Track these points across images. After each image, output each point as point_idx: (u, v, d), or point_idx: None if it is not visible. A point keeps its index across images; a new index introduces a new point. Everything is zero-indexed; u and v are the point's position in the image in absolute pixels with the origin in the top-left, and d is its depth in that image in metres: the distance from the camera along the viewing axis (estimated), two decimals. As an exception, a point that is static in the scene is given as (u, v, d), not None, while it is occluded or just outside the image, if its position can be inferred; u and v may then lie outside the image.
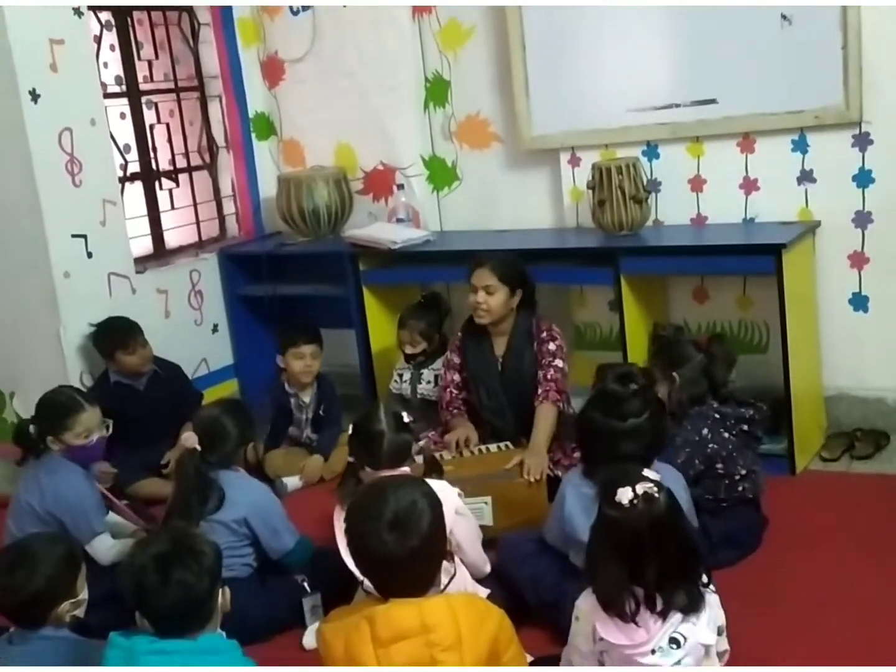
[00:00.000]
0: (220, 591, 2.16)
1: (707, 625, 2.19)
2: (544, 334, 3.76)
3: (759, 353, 4.15)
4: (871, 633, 2.71)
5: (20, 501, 3.23)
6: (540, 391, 3.64)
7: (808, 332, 3.94)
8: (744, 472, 3.19)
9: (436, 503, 2.07)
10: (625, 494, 2.15)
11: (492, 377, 3.81)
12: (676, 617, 2.15)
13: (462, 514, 2.88)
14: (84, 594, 2.40)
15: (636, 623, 2.12)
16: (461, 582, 2.46)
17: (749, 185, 4.06)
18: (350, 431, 2.99)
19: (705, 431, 3.18)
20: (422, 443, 3.06)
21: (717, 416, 3.21)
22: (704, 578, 2.21)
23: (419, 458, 3.03)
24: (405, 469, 2.87)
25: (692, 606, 2.16)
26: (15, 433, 3.30)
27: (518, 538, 3.06)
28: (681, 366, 3.30)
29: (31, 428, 3.23)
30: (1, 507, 3.96)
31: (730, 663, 2.36)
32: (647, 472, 2.24)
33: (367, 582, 2.14)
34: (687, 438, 3.16)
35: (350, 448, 2.98)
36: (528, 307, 3.82)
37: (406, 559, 1.97)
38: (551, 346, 3.72)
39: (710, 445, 3.16)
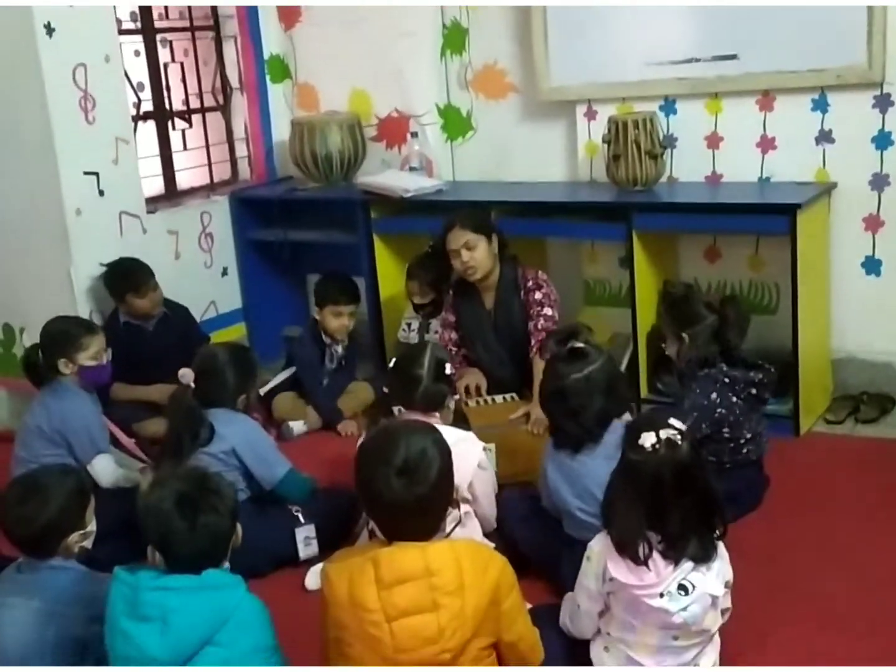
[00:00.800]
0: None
1: (717, 576, 2.22)
2: (530, 283, 3.75)
3: (769, 315, 4.14)
4: (865, 595, 2.74)
5: (28, 426, 3.33)
6: (533, 342, 3.65)
7: (819, 294, 3.93)
8: (749, 435, 3.19)
9: (446, 452, 2.08)
10: (648, 438, 2.17)
11: (485, 331, 3.82)
12: (688, 564, 2.18)
13: (483, 468, 2.90)
14: (92, 526, 2.43)
15: (647, 567, 2.15)
16: (468, 531, 2.48)
17: (766, 144, 4.03)
18: (392, 365, 3.01)
19: (714, 396, 3.15)
20: (457, 396, 3.05)
21: (726, 379, 3.17)
22: (719, 531, 2.24)
23: (451, 405, 3.02)
24: (435, 416, 2.88)
25: (704, 556, 2.19)
26: (24, 362, 3.34)
27: (516, 496, 3.07)
28: (692, 326, 3.25)
29: (39, 355, 3.27)
30: (10, 441, 4.02)
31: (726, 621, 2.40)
32: (672, 420, 2.25)
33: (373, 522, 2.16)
34: (695, 402, 3.14)
35: (388, 382, 3.00)
36: (510, 258, 3.81)
37: (413, 505, 1.99)
38: (538, 295, 3.72)
39: (719, 410, 3.14)
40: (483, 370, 3.83)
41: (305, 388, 4.18)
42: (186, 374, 3.09)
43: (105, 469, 3.29)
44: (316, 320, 4.25)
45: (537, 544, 2.87)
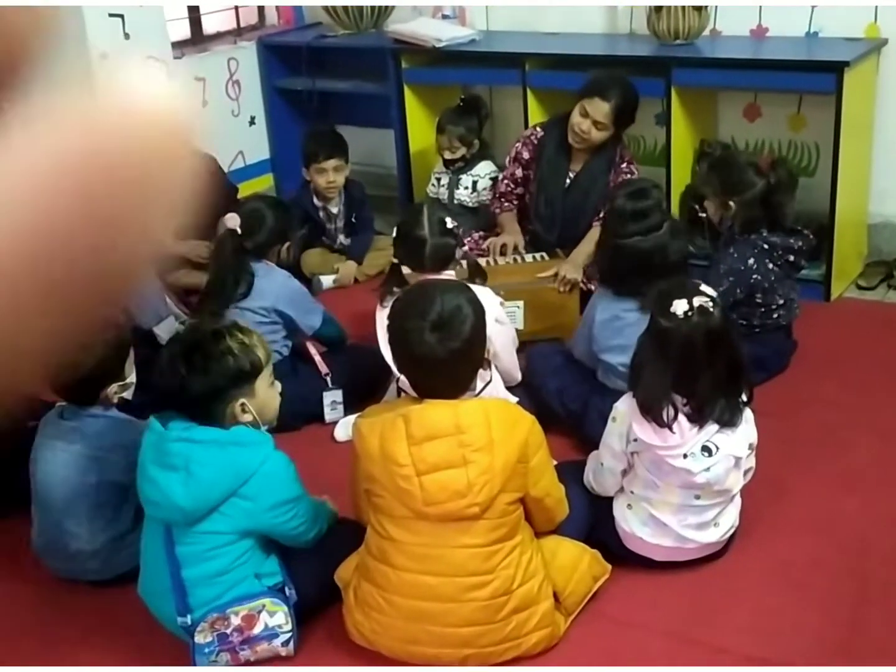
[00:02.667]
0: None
1: (741, 438, 2.25)
2: (624, 165, 3.65)
3: (807, 177, 4.04)
4: (888, 454, 2.77)
5: None
6: (602, 214, 3.58)
7: (861, 156, 3.82)
8: (781, 301, 3.17)
9: (479, 310, 2.09)
10: (680, 306, 2.17)
11: (557, 187, 3.72)
12: (712, 427, 2.21)
13: (501, 322, 2.91)
14: (132, 378, 2.49)
15: (671, 429, 2.18)
16: (494, 389, 2.51)
17: (816, -4, 3.86)
18: (394, 233, 2.99)
19: (751, 261, 3.10)
20: (465, 248, 3.04)
21: (765, 245, 3.11)
22: (745, 397, 2.26)
23: (464, 263, 3.03)
24: (449, 273, 2.88)
25: (730, 420, 2.22)
26: None
27: (547, 349, 3.10)
28: (741, 193, 3.12)
29: None
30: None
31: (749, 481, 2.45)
32: (703, 287, 2.25)
33: (403, 379, 2.19)
34: (731, 266, 3.10)
35: (394, 249, 2.99)
36: (617, 136, 3.67)
37: (445, 360, 2.01)
38: (628, 178, 3.61)
39: (754, 276, 3.10)
40: (529, 223, 3.76)
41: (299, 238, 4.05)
42: (232, 219, 3.11)
43: (168, 331, 3.31)
44: (307, 181, 4.15)
45: (566, 396, 2.91)
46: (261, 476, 2.10)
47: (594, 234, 3.51)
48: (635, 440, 2.25)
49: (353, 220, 4.24)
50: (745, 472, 2.35)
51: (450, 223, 2.91)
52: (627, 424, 2.26)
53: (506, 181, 3.83)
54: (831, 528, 2.50)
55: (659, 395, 2.21)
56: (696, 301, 2.18)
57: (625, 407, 2.30)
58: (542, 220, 3.74)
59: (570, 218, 3.69)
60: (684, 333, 2.17)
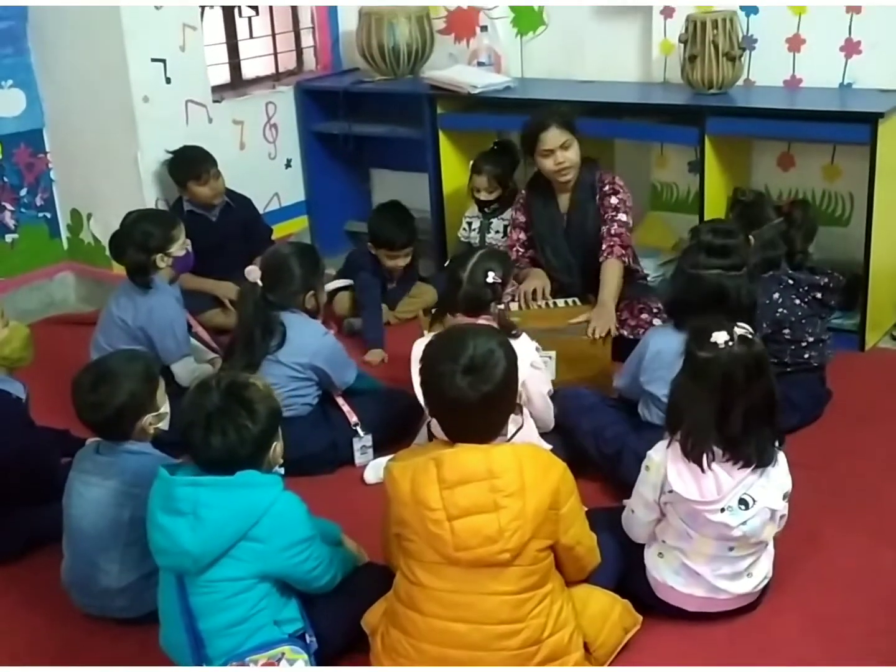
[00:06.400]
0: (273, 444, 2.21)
1: (777, 489, 2.24)
2: (606, 187, 3.68)
3: (841, 227, 4.04)
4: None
5: (113, 317, 3.35)
6: (604, 247, 3.60)
7: (895, 206, 3.81)
8: (811, 339, 3.17)
9: (512, 354, 2.09)
10: (720, 336, 2.18)
11: (557, 234, 3.77)
12: (749, 478, 2.20)
13: (536, 367, 2.92)
14: (165, 407, 2.50)
15: (709, 470, 2.17)
16: (527, 435, 2.51)
17: (851, 48, 3.87)
18: (446, 265, 3.02)
19: (776, 296, 3.14)
20: (501, 306, 3.03)
21: (790, 281, 3.16)
22: (778, 436, 2.25)
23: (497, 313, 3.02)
24: (486, 319, 2.90)
25: (764, 459, 2.21)
26: (133, 269, 3.32)
27: (578, 390, 3.09)
28: (758, 227, 3.21)
29: (141, 256, 3.29)
30: (79, 323, 4.12)
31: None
32: (741, 325, 2.26)
33: (434, 422, 2.19)
34: (756, 301, 3.12)
35: (441, 284, 3.00)
36: (589, 161, 3.73)
37: (477, 404, 2.00)
38: (613, 200, 3.65)
39: (780, 310, 3.13)
40: (549, 274, 3.80)
41: (362, 312, 4.07)
42: (253, 272, 3.09)
43: (186, 370, 3.34)
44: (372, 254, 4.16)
45: (600, 438, 2.89)
46: (271, 517, 2.08)
47: (612, 269, 3.54)
48: (670, 492, 2.23)
49: (405, 274, 4.26)
50: (780, 519, 2.32)
51: (492, 277, 2.92)
52: (662, 475, 2.24)
53: (514, 248, 3.87)
54: (866, 582, 2.47)
55: (705, 432, 2.19)
56: (737, 331, 2.19)
57: (660, 457, 2.27)
58: (557, 270, 3.78)
59: (581, 257, 3.73)
60: (726, 362, 2.17)
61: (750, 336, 2.21)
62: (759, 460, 2.21)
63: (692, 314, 2.66)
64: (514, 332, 2.90)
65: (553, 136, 3.62)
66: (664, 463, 2.24)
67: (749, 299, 2.74)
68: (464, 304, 2.93)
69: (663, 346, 2.75)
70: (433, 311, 3.12)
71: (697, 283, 2.73)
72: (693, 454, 2.19)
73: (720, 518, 2.19)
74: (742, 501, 2.20)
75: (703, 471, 2.18)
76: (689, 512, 2.22)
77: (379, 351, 3.89)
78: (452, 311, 2.97)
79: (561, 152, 3.62)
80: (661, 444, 2.29)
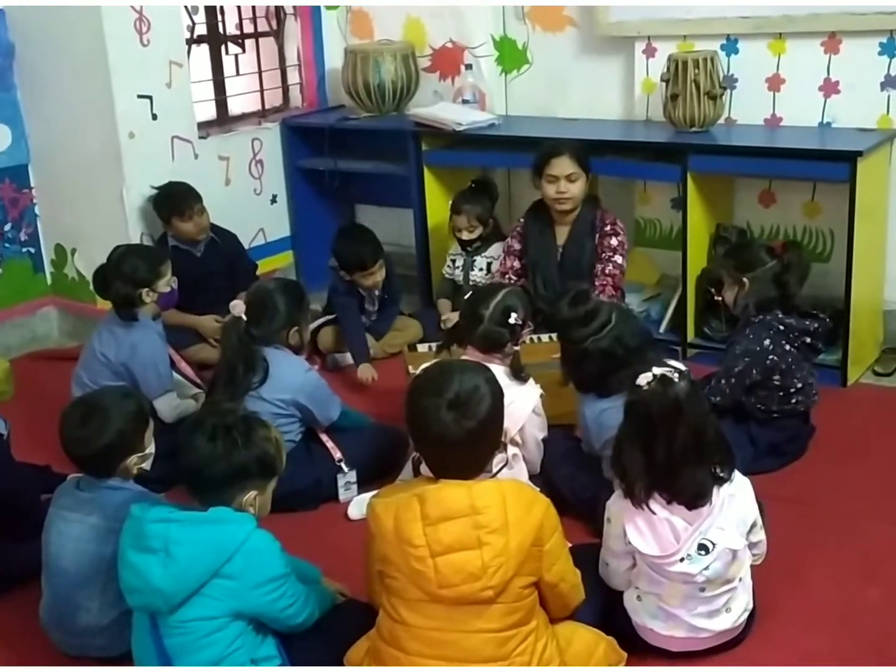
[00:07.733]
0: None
1: (736, 528, 2.24)
2: (608, 228, 3.72)
3: (822, 262, 4.06)
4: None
5: (95, 352, 3.34)
6: (597, 284, 3.62)
7: (875, 243, 3.85)
8: (799, 385, 3.15)
9: (498, 391, 2.08)
10: (644, 378, 2.21)
11: (550, 266, 3.79)
12: (706, 522, 2.20)
13: (538, 414, 2.93)
14: (151, 448, 2.49)
15: (657, 513, 2.18)
16: (516, 476, 2.51)
17: (829, 88, 3.92)
18: (465, 297, 3.08)
19: (767, 342, 3.10)
20: (517, 347, 3.00)
21: (781, 327, 3.12)
22: (721, 471, 2.24)
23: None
24: (493, 359, 2.87)
25: (699, 494, 2.20)
26: (119, 302, 3.32)
27: (556, 437, 3.08)
28: (752, 270, 3.17)
29: (128, 289, 3.28)
30: (61, 359, 4.10)
31: (764, 567, 2.41)
32: (671, 361, 2.30)
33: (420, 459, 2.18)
34: (747, 348, 3.10)
35: (460, 314, 3.08)
36: (592, 198, 3.77)
37: (461, 440, 2.00)
38: (613, 241, 3.68)
39: (771, 357, 3.09)
40: (535, 306, 3.79)
41: (344, 333, 4.08)
42: (237, 306, 3.09)
43: (169, 406, 3.33)
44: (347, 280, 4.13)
45: (577, 483, 2.90)
46: (244, 553, 2.05)
47: None
48: (629, 543, 2.24)
49: (385, 295, 4.25)
50: (755, 545, 2.33)
51: (514, 318, 2.92)
52: (621, 526, 2.25)
53: (507, 275, 3.88)
54: (852, 619, 2.46)
55: (635, 474, 2.21)
56: (659, 371, 2.21)
57: (617, 508, 2.29)
58: (546, 301, 3.78)
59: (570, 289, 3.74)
60: (645, 403, 2.19)
61: (674, 375, 2.20)
62: (698, 497, 2.21)
63: (599, 384, 2.75)
64: (522, 374, 2.92)
65: (562, 164, 3.66)
66: (621, 514, 2.25)
67: (636, 339, 2.78)
68: (480, 342, 2.92)
69: (596, 411, 2.79)
70: (448, 335, 3.13)
71: (582, 357, 2.79)
72: (634, 497, 2.21)
73: (680, 568, 2.20)
74: (701, 547, 2.20)
75: (652, 512, 2.19)
76: (652, 563, 2.24)
77: (368, 366, 3.88)
78: (464, 344, 2.96)
79: (565, 182, 3.66)
80: (617, 494, 2.31)
